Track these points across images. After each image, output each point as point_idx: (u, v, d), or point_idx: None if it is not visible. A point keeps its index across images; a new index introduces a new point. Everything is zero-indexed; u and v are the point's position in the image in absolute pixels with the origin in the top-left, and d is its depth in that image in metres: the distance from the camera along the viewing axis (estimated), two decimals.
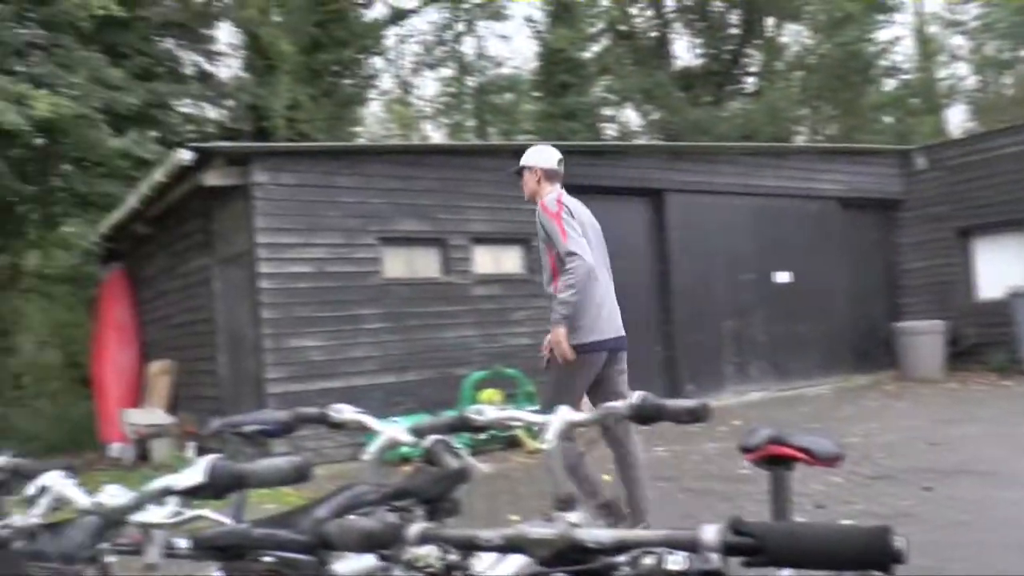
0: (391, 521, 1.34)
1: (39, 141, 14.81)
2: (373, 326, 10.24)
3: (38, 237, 18.30)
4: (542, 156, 5.56)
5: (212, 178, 9.67)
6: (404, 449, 2.33)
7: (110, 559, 1.82)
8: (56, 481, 1.85)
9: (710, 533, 1.11)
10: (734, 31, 27.48)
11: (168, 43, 17.89)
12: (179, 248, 12.04)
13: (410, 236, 10.63)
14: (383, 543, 1.29)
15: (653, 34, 28.20)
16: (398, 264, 10.61)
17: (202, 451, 7.80)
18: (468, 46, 27.97)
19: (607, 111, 28.15)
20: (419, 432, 2.17)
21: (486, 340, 11.08)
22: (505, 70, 27.91)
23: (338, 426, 2.53)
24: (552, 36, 22.48)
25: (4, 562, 2.36)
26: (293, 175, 9.94)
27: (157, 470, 10.08)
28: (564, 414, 2.07)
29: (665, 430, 1.97)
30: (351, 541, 1.29)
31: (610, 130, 28.44)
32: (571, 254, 5.01)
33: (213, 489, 1.61)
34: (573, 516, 1.99)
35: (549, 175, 5.50)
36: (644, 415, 2.01)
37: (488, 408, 2.23)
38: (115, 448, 12.13)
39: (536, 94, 24.98)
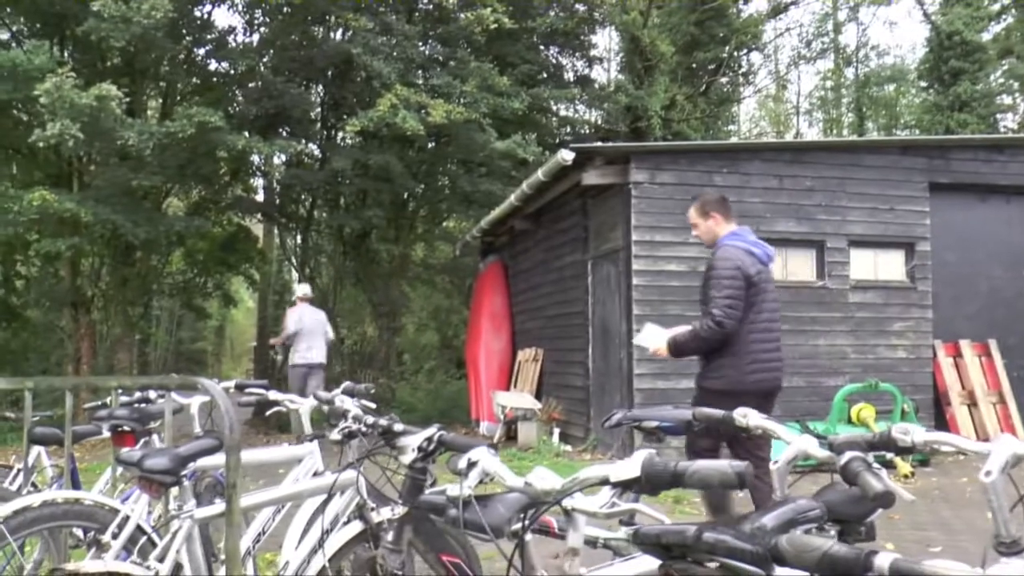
0: (858, 546, 1.23)
1: (431, 145, 16.18)
2: None
3: (424, 231, 20.00)
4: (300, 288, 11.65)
5: (592, 177, 10.00)
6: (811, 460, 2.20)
7: (529, 537, 1.88)
8: (484, 456, 1.94)
9: None
10: None
11: (551, 50, 18.77)
12: (554, 243, 12.55)
13: (786, 237, 10.24)
14: (845, 569, 1.18)
15: None
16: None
17: (564, 437, 8.07)
18: (850, 36, 26.60)
19: (1006, 99, 25.41)
20: (835, 447, 2.03)
21: (860, 351, 10.45)
22: (889, 59, 26.18)
23: (743, 431, 2.46)
24: (946, 17, 20.66)
25: (435, 525, 2.56)
26: (671, 174, 10.00)
27: (524, 451, 10.60)
28: (1010, 444, 1.84)
29: None
30: (808, 560, 1.20)
31: (1008, 122, 25.68)
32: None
33: (649, 485, 1.60)
34: (1018, 562, 1.77)
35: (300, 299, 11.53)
36: None
37: (916, 429, 2.05)
38: (484, 426, 12.93)
39: (922, 84, 23.14)
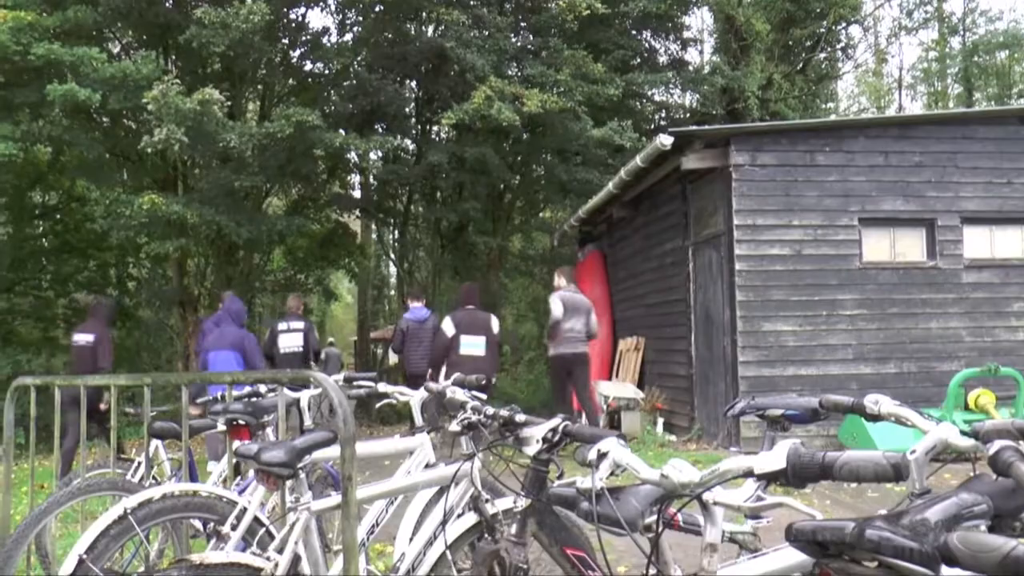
0: None
1: (526, 135, 16.18)
2: (850, 312, 9.75)
3: (521, 222, 19.98)
4: None
5: (691, 161, 9.84)
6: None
7: (663, 531, 1.81)
8: (614, 447, 1.87)
9: None
10: None
11: (644, 34, 18.54)
12: (653, 230, 12.40)
13: (893, 216, 9.93)
14: None
15: None
16: (879, 247, 9.97)
17: (668, 426, 7.92)
18: (955, 2, 25.68)
19: None
20: (982, 435, 1.90)
21: (976, 333, 10.04)
22: (1001, 24, 25.04)
23: (874, 418, 2.35)
24: None
25: (558, 518, 2.50)
26: (771, 155, 9.76)
27: (628, 441, 10.47)
28: None
29: None
30: (987, 562, 1.09)
31: None
32: None
33: (795, 477, 1.50)
34: None
35: None
36: None
37: None
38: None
39: None
